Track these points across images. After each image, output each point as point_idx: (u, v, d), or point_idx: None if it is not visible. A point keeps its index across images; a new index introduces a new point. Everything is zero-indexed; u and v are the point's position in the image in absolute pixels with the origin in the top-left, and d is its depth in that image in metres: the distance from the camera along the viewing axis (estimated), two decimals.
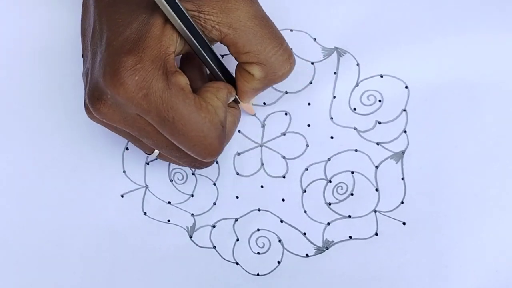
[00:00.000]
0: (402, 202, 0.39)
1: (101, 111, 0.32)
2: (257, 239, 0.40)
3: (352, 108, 0.40)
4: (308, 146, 0.40)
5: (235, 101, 0.37)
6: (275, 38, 0.33)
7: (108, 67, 0.31)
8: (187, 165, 0.37)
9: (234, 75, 0.36)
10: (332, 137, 0.40)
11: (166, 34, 0.31)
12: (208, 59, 0.34)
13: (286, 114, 0.41)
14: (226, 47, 0.34)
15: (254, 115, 0.40)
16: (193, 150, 0.33)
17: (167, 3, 0.31)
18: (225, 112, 0.34)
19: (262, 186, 0.40)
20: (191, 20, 0.32)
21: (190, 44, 0.33)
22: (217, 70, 0.35)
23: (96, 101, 0.32)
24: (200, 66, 0.37)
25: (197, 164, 0.36)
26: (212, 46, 0.34)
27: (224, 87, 0.35)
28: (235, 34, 0.32)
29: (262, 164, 0.41)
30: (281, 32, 0.40)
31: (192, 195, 0.41)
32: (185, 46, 0.33)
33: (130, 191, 0.41)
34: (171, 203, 0.41)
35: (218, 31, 0.32)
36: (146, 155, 0.38)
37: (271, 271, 0.39)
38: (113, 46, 0.31)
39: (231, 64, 0.36)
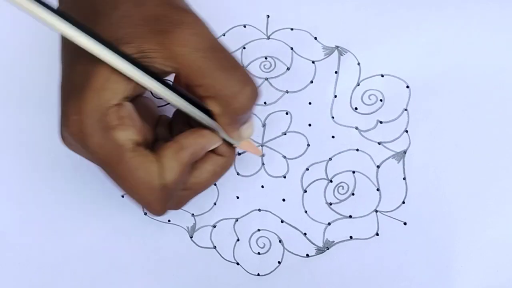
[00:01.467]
0: (404, 202, 0.39)
1: (65, 143, 0.32)
2: (258, 239, 0.40)
3: (353, 107, 0.40)
4: (309, 145, 0.40)
5: (232, 143, 0.35)
6: (224, 69, 0.30)
7: (60, 110, 0.31)
8: None
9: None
10: (333, 137, 0.40)
11: (107, 87, 0.29)
12: (175, 98, 0.31)
13: (287, 113, 0.40)
14: None
15: (263, 156, 0.40)
16: (136, 203, 0.32)
17: (107, 51, 0.28)
18: (178, 173, 0.31)
19: (262, 186, 0.40)
20: (140, 63, 0.29)
21: (149, 90, 0.30)
22: (189, 108, 0.32)
23: (60, 133, 0.32)
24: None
25: None
26: (174, 84, 0.31)
27: (192, 145, 0.32)
28: (182, 69, 0.29)
29: (263, 164, 0.40)
30: (282, 31, 0.41)
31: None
32: (136, 88, 0.30)
33: None
34: None
35: (169, 67, 0.30)
36: None
37: (272, 271, 0.39)
38: (62, 89, 0.31)
39: None
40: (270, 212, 0.40)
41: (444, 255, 0.38)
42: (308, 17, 0.40)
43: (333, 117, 0.40)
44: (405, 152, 0.39)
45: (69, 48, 0.31)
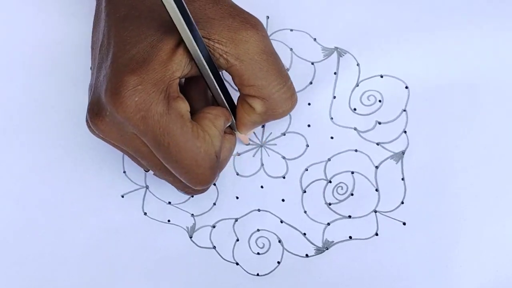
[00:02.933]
0: (402, 202, 0.39)
1: (98, 126, 0.32)
2: (257, 239, 0.40)
3: (352, 108, 0.40)
4: (308, 146, 0.40)
5: (232, 128, 0.37)
6: (280, 75, 0.33)
7: (110, 83, 0.31)
8: (179, 190, 0.37)
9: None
10: (332, 137, 0.40)
11: (174, 60, 0.31)
12: (215, 85, 0.34)
13: None
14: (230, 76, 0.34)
15: (248, 144, 0.40)
16: (185, 177, 0.33)
17: (187, 26, 0.30)
18: (221, 141, 0.34)
19: (262, 187, 0.40)
20: (206, 46, 0.32)
21: (200, 69, 0.33)
22: (222, 97, 0.35)
23: (95, 116, 0.32)
24: (205, 88, 0.36)
25: (189, 190, 0.36)
26: (220, 74, 0.34)
27: (222, 115, 0.34)
28: (242, 66, 0.32)
29: (262, 164, 0.41)
30: (281, 32, 0.41)
31: (192, 196, 0.41)
32: (192, 69, 0.33)
33: (131, 192, 0.41)
34: (171, 203, 0.41)
35: (225, 60, 0.32)
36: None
37: (271, 271, 0.39)
38: (118, 63, 0.31)
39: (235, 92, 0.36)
40: (270, 212, 0.40)
41: (444, 255, 0.38)
42: (307, 18, 0.41)
43: (332, 118, 0.40)
44: (403, 152, 0.40)
45: (129, 28, 0.32)
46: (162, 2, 0.29)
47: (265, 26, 0.41)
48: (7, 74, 0.42)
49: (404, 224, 0.39)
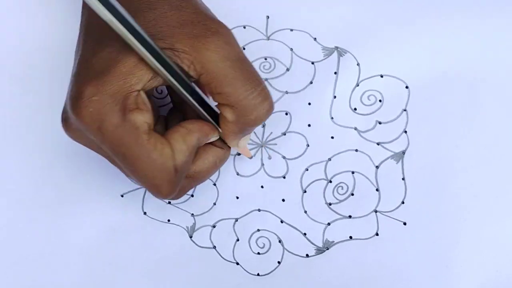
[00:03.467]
0: (403, 202, 0.39)
1: (67, 132, 0.33)
2: (257, 239, 0.40)
3: (353, 108, 0.40)
4: (308, 146, 0.40)
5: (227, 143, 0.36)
6: (247, 81, 0.32)
7: (71, 92, 0.31)
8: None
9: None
10: (332, 137, 0.40)
11: (134, 73, 0.31)
12: (189, 98, 0.33)
13: (286, 114, 0.41)
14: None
15: (251, 158, 0.40)
16: (144, 186, 0.33)
17: (140, 42, 0.29)
18: (187, 157, 0.33)
19: (262, 186, 0.40)
20: (168, 60, 0.31)
21: (169, 83, 0.32)
22: (200, 110, 0.34)
23: (64, 122, 0.32)
24: None
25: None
26: (193, 84, 0.33)
27: (197, 131, 0.34)
28: (207, 74, 0.31)
29: (262, 164, 0.40)
30: (281, 32, 0.41)
31: (192, 195, 0.41)
32: (163, 81, 0.32)
33: (130, 191, 0.41)
34: (171, 203, 0.41)
35: (194, 71, 0.31)
36: None
37: (271, 271, 0.39)
38: (78, 72, 0.31)
39: None
40: (270, 212, 0.40)
41: (444, 255, 0.38)
42: (307, 18, 0.41)
43: (332, 118, 0.40)
44: (404, 152, 0.40)
45: (93, 36, 0.32)
46: (104, 21, 0.29)
47: (265, 26, 0.41)
48: (6, 74, 0.42)
49: (405, 224, 0.39)
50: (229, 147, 0.37)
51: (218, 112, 0.34)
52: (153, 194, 0.33)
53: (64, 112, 0.32)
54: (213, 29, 0.32)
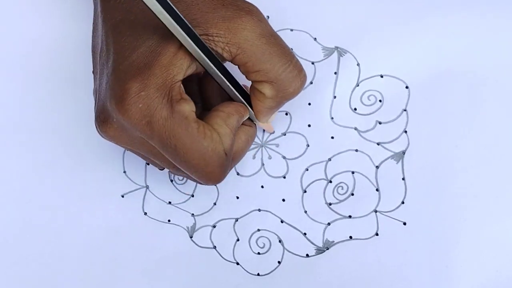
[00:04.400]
0: (403, 202, 0.39)
1: (108, 133, 0.33)
2: (258, 239, 0.40)
3: (353, 108, 0.40)
4: (308, 146, 0.40)
5: (252, 119, 0.37)
6: (283, 55, 0.33)
7: (114, 91, 0.31)
8: (195, 181, 0.38)
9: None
10: (332, 137, 0.40)
11: (175, 63, 0.31)
12: (225, 81, 0.34)
13: (286, 114, 0.41)
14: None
15: (273, 133, 0.40)
16: (195, 175, 0.33)
17: (183, 29, 0.30)
18: (232, 139, 0.34)
19: (262, 186, 0.40)
20: (206, 45, 0.32)
21: (206, 68, 0.33)
22: (234, 92, 0.35)
23: (103, 123, 0.32)
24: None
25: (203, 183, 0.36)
26: (226, 68, 0.34)
27: (235, 113, 0.35)
28: (244, 53, 0.32)
29: (263, 164, 0.40)
30: (281, 32, 0.41)
31: (193, 195, 0.41)
32: (198, 68, 0.33)
33: (131, 191, 0.41)
34: (172, 203, 0.41)
35: (228, 52, 0.32)
36: None
37: (272, 271, 0.39)
38: (119, 70, 0.31)
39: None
40: (270, 212, 0.40)
41: (444, 255, 0.38)
42: (307, 18, 0.41)
43: (332, 118, 0.40)
44: (404, 152, 0.40)
45: (124, 33, 0.32)
46: (150, 10, 0.29)
47: None
48: (6, 73, 0.42)
49: (405, 224, 0.39)
50: (255, 124, 0.38)
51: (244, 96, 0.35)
52: (204, 182, 0.34)
53: (103, 113, 0.32)
54: (245, 8, 0.32)
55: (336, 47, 0.40)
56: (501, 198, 0.39)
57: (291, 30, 0.41)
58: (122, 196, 0.41)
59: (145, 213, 0.41)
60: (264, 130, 0.40)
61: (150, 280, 0.39)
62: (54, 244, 0.40)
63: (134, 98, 0.30)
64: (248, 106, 0.36)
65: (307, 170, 0.40)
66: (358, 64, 0.40)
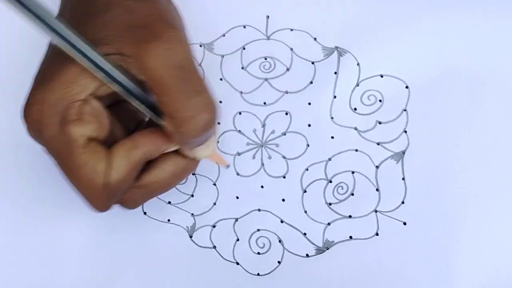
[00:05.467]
0: (403, 202, 0.39)
1: (28, 130, 0.32)
2: (257, 239, 0.40)
3: (353, 108, 0.40)
4: (308, 146, 0.40)
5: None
6: (185, 90, 0.30)
7: (26, 95, 0.31)
8: None
9: None
10: (332, 137, 0.40)
11: (79, 81, 0.30)
12: (143, 106, 0.31)
13: (286, 114, 0.41)
14: None
15: (227, 167, 0.40)
16: (80, 197, 0.33)
17: (76, 50, 0.29)
18: (127, 173, 0.31)
19: (262, 186, 0.40)
20: (106, 66, 0.29)
21: (117, 91, 0.31)
22: (150, 114, 0.32)
23: (24, 122, 0.32)
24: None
25: None
26: (143, 91, 0.31)
27: (146, 144, 0.32)
28: (149, 81, 0.30)
29: (262, 164, 0.40)
30: (281, 32, 0.41)
31: (192, 195, 0.41)
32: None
33: None
34: (171, 203, 0.41)
35: (143, 76, 0.30)
36: None
37: (272, 271, 0.39)
38: (36, 74, 0.31)
39: None
40: (270, 212, 0.40)
41: (444, 255, 0.38)
42: (307, 17, 0.41)
43: (332, 118, 0.40)
44: (404, 152, 0.40)
45: (50, 45, 0.32)
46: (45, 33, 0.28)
47: (265, 25, 0.41)
48: (6, 73, 0.42)
49: (405, 224, 0.39)
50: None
51: None
52: (88, 206, 0.33)
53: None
54: (157, 33, 0.30)
55: (336, 47, 0.40)
56: (501, 198, 0.39)
57: (291, 30, 0.41)
58: None
59: (145, 213, 0.40)
60: (264, 130, 0.40)
61: (150, 280, 0.39)
62: (54, 244, 0.40)
63: (29, 109, 0.30)
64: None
65: (307, 170, 0.40)
66: (358, 64, 0.40)
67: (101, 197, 0.32)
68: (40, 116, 0.30)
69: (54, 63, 0.31)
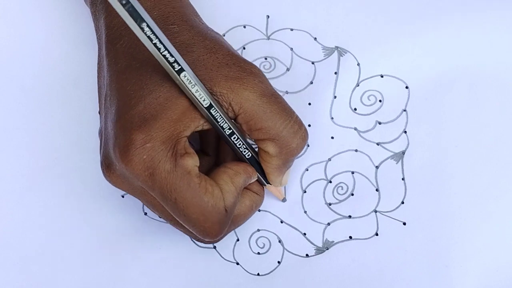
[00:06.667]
0: (403, 202, 0.39)
1: (110, 179, 0.33)
2: (257, 239, 0.40)
3: (353, 108, 0.40)
4: (308, 146, 0.40)
5: (260, 183, 0.37)
6: (283, 112, 0.33)
7: (118, 140, 0.31)
8: (193, 239, 0.39)
9: None
10: (332, 137, 0.40)
11: (183, 120, 0.31)
12: (232, 142, 0.34)
13: None
14: None
15: (283, 200, 0.40)
16: (193, 230, 0.33)
17: (186, 84, 0.30)
18: (235, 197, 0.34)
19: None
20: (217, 107, 0.32)
21: (215, 129, 0.33)
22: (239, 151, 0.35)
23: (106, 168, 0.33)
24: None
25: (203, 241, 0.37)
26: (234, 127, 0.34)
27: (243, 172, 0.35)
28: (246, 113, 0.32)
29: None
30: (281, 32, 0.41)
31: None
32: (207, 124, 0.33)
33: None
34: None
35: (231, 111, 0.32)
36: None
37: (271, 271, 0.39)
38: (124, 119, 0.31)
39: None
40: (270, 212, 0.40)
41: (444, 255, 0.38)
42: (308, 17, 0.41)
43: (332, 118, 0.40)
44: (403, 152, 0.40)
45: (130, 80, 0.32)
46: (166, 69, 0.30)
47: (265, 25, 0.41)
48: (7, 73, 0.42)
49: (404, 224, 0.39)
50: (263, 192, 0.38)
51: (254, 154, 0.36)
52: (201, 237, 0.34)
53: (107, 158, 0.33)
54: (247, 70, 0.33)
55: (336, 47, 0.40)
56: (501, 198, 0.39)
57: (291, 30, 0.41)
58: (122, 196, 0.40)
59: (145, 213, 0.40)
60: None
61: (150, 280, 0.39)
62: (54, 244, 0.40)
63: (138, 149, 0.31)
64: (257, 170, 0.36)
65: (307, 170, 0.40)
66: (358, 64, 0.40)
67: (222, 221, 0.33)
68: (154, 154, 0.31)
69: (152, 102, 0.31)
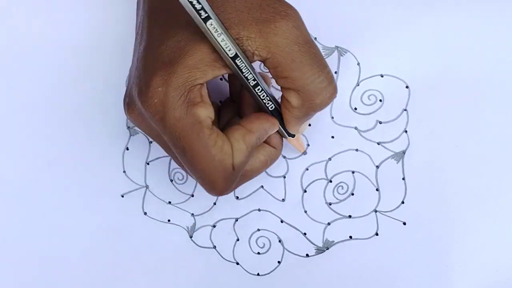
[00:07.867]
0: (403, 202, 0.39)
1: (130, 116, 0.33)
2: (257, 239, 0.40)
3: (353, 107, 0.40)
4: (308, 145, 0.40)
5: (280, 134, 0.36)
6: (314, 65, 0.31)
7: (138, 80, 0.31)
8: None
9: None
10: (332, 137, 0.40)
11: (200, 67, 0.30)
12: (254, 92, 0.33)
13: None
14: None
15: (304, 153, 0.40)
16: (199, 181, 0.33)
17: (212, 33, 0.29)
18: (246, 156, 0.33)
19: (262, 186, 0.40)
20: (239, 52, 0.30)
21: (236, 75, 0.32)
22: (262, 102, 0.34)
23: (128, 106, 0.32)
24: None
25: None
26: (259, 77, 0.32)
27: (257, 130, 0.33)
28: (274, 59, 0.31)
29: None
30: None
31: (193, 195, 0.41)
32: (223, 70, 0.32)
33: (130, 191, 0.41)
34: (171, 203, 0.41)
35: (258, 56, 0.31)
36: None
37: (271, 271, 0.39)
38: (146, 60, 0.31)
39: None
40: (270, 212, 0.40)
41: (444, 255, 0.38)
42: (308, 17, 0.40)
43: (332, 117, 0.40)
44: (404, 152, 0.40)
45: (159, 22, 0.32)
46: (187, 11, 0.28)
47: None
48: (7, 74, 0.42)
49: (405, 224, 0.39)
50: (281, 145, 0.37)
51: (276, 106, 0.34)
52: (206, 190, 0.33)
53: (129, 97, 0.32)
54: (282, 12, 0.31)
55: (336, 47, 0.40)
56: (501, 198, 0.39)
57: None
58: (122, 196, 0.41)
59: (145, 213, 0.41)
60: None
61: (150, 280, 0.39)
62: (54, 244, 0.40)
63: (152, 92, 0.30)
64: (276, 123, 0.35)
65: (307, 169, 0.40)
66: (358, 64, 0.40)
67: (228, 178, 0.32)
68: (165, 99, 0.30)
69: (172, 46, 0.30)
